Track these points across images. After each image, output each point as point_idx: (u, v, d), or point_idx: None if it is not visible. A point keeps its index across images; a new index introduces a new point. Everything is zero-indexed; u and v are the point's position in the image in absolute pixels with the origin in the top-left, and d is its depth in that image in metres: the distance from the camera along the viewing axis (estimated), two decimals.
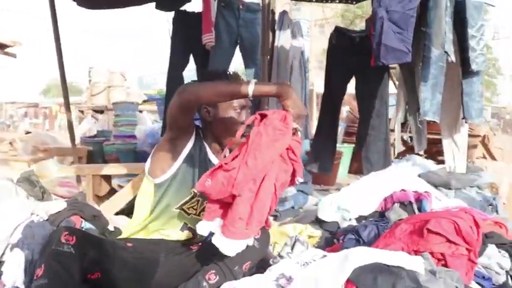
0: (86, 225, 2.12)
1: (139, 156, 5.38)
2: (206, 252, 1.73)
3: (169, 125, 1.71)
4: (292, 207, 3.36)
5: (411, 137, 4.72)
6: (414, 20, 2.46)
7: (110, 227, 2.28)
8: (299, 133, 1.54)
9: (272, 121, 1.45)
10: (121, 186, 4.39)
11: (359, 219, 2.45)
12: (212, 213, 1.50)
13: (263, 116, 1.49)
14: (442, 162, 3.93)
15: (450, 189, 3.31)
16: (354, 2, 4.26)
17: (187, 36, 3.88)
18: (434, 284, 1.36)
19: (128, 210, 2.82)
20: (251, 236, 1.49)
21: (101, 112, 7.90)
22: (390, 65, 3.30)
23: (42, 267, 1.36)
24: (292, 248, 1.93)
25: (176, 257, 1.73)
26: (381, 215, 2.39)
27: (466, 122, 3.11)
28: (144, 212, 1.78)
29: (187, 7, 4.04)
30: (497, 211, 3.24)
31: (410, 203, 2.33)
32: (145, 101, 8.20)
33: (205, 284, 1.55)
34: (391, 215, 2.27)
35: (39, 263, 1.38)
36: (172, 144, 1.74)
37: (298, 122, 1.53)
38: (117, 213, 2.74)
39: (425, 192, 2.41)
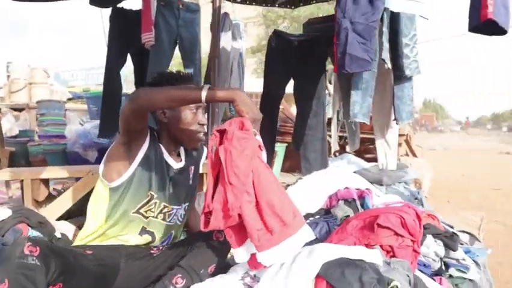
0: (34, 233, 2.01)
1: (70, 158, 5.13)
2: (167, 256, 1.74)
3: (122, 130, 1.67)
4: None
5: (340, 136, 4.99)
6: (376, 31, 2.61)
7: (57, 234, 2.19)
8: (257, 136, 1.55)
9: (233, 133, 1.45)
10: (55, 189, 4.19)
11: (306, 216, 2.56)
12: (237, 239, 1.50)
13: (222, 132, 1.49)
14: (369, 159, 4.22)
15: (382, 185, 3.57)
16: (293, 7, 4.39)
17: (124, 34, 3.78)
18: (391, 274, 1.49)
19: (67, 215, 2.71)
20: (289, 234, 1.49)
21: (20, 110, 7.39)
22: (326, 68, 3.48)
23: (6, 282, 1.26)
24: None
25: (137, 262, 1.71)
26: (327, 212, 2.52)
27: (397, 124, 3.34)
28: (100, 218, 1.74)
29: (124, 4, 3.93)
30: (422, 204, 3.55)
31: (354, 199, 2.49)
32: (69, 99, 7.81)
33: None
34: (337, 212, 2.41)
35: (1, 278, 1.27)
36: (127, 147, 1.71)
37: (255, 125, 1.55)
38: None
39: (367, 189, 2.58)
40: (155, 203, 1.77)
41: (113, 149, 1.74)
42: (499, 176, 6.08)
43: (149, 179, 1.75)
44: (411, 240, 1.86)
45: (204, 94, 1.50)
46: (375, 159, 3.92)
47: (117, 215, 1.72)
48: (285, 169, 5.83)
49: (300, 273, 1.42)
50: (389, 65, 2.82)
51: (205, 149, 2.10)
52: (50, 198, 2.88)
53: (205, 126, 1.83)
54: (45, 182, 2.76)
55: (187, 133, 1.77)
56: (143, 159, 1.73)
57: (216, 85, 3.63)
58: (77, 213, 2.73)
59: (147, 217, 1.76)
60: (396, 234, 1.85)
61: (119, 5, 3.83)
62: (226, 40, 3.68)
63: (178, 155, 1.90)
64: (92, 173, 2.68)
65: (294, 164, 6.10)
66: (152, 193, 1.75)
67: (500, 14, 1.20)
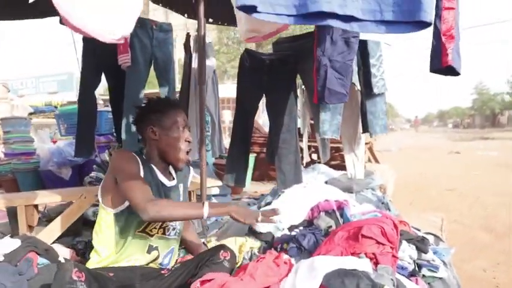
0: (42, 260, 2.11)
1: (43, 176, 5.11)
2: (178, 275, 1.91)
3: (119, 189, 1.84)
4: (216, 220, 3.59)
5: (309, 146, 5.27)
6: (352, 68, 2.86)
7: (61, 259, 2.28)
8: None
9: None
10: (40, 212, 4.18)
11: (290, 228, 2.78)
12: None
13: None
14: (335, 166, 4.51)
15: (352, 192, 3.85)
16: None
17: (98, 54, 3.83)
18: (380, 279, 1.73)
19: (59, 237, 2.79)
20: None
21: None
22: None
23: None
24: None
25: (151, 281, 1.86)
26: (309, 223, 2.75)
27: (371, 136, 3.62)
28: (109, 245, 1.87)
29: None
30: (389, 208, 3.86)
31: (334, 211, 2.73)
32: (31, 113, 7.66)
33: None
34: (320, 223, 2.64)
35: None
36: None
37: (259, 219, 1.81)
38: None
39: (344, 200, 2.83)
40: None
41: (109, 181, 1.87)
42: (451, 176, 6.57)
43: None
44: (391, 247, 2.11)
45: (205, 211, 1.72)
46: (340, 166, 4.19)
47: (125, 238, 1.86)
48: (254, 178, 6.07)
49: (305, 284, 1.64)
50: (358, 87, 3.09)
51: (190, 168, 2.30)
52: (39, 221, 2.94)
53: (191, 144, 2.02)
54: (36, 206, 2.82)
55: (176, 150, 1.94)
56: None
57: (192, 104, 3.80)
58: (64, 234, 2.81)
59: (152, 235, 1.92)
60: (378, 242, 2.09)
61: None
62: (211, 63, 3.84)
63: (169, 173, 2.07)
64: (85, 197, 2.78)
65: (263, 173, 6.37)
66: None
67: (455, 60, 1.46)
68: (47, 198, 2.78)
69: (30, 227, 2.75)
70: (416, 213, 4.06)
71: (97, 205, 2.44)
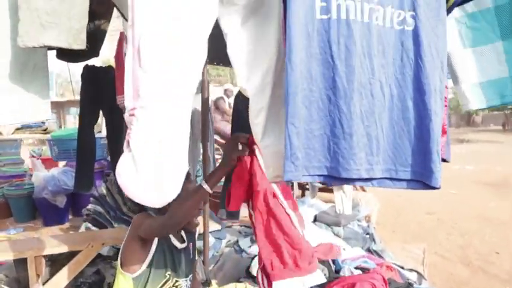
0: None
1: (37, 203, 5.21)
2: None
3: (146, 235, 2.00)
4: (212, 255, 3.77)
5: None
6: None
7: None
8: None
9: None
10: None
11: None
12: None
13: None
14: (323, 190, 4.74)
15: (339, 226, 4.09)
16: None
17: (96, 91, 3.94)
18: None
19: None
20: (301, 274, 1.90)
21: None
22: None
23: None
24: None
25: None
26: None
27: None
28: None
29: (95, 61, 4.08)
30: (374, 240, 4.11)
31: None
32: (18, 129, 7.66)
33: None
34: None
35: None
36: (142, 242, 2.05)
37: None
38: None
39: (337, 246, 3.06)
40: (171, 280, 2.11)
41: (129, 244, 2.02)
42: (430, 197, 6.91)
43: (165, 262, 2.08)
44: None
45: (208, 189, 1.83)
46: (328, 189, 4.42)
47: None
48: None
49: None
50: None
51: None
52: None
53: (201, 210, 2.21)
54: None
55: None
56: (157, 248, 2.06)
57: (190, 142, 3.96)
58: None
59: None
60: None
61: (91, 63, 3.98)
62: (197, 100, 4.00)
63: (181, 236, 2.25)
64: (92, 245, 2.93)
65: None
66: (169, 273, 2.08)
67: (446, 151, 1.63)
68: (56, 248, 2.91)
69: (38, 276, 2.89)
70: (400, 244, 4.32)
71: None
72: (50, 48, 1.39)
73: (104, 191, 4.33)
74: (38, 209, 5.30)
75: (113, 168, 3.84)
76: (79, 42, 1.27)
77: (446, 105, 1.34)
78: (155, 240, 2.04)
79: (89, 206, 4.34)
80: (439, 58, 1.20)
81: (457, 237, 4.78)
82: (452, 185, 7.97)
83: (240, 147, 1.81)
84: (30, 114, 1.52)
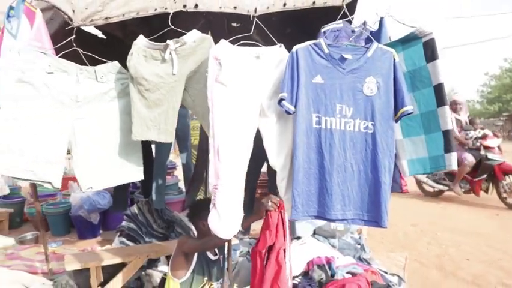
0: None
1: (74, 220, 6.02)
2: None
3: (190, 250, 2.82)
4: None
5: None
6: None
7: None
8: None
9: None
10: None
11: (293, 277, 3.79)
12: None
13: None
14: None
15: (334, 238, 4.90)
16: None
17: None
18: None
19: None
20: None
21: None
22: None
23: None
24: None
25: None
26: (305, 274, 3.77)
27: None
28: None
29: None
30: (364, 249, 4.91)
31: (324, 265, 3.76)
32: None
33: None
34: (314, 275, 3.66)
35: None
36: (186, 256, 2.86)
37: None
38: None
39: (331, 256, 3.87)
40: (207, 283, 2.89)
41: (177, 258, 2.84)
42: (414, 210, 7.76)
43: (203, 270, 2.88)
44: None
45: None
46: None
47: None
48: None
49: None
50: None
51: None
52: None
53: None
54: None
55: (216, 236, 2.90)
56: (197, 260, 2.87)
57: None
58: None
59: None
60: None
61: None
62: None
63: (214, 251, 3.05)
64: (139, 257, 3.73)
65: None
66: (206, 278, 2.88)
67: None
68: (111, 260, 3.70)
69: (98, 282, 3.69)
70: (385, 253, 5.13)
71: None
72: None
73: (136, 210, 5.11)
74: (74, 225, 6.12)
75: (144, 194, 4.68)
76: (170, 139, 2.12)
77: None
78: (195, 254, 2.86)
79: (123, 223, 5.11)
80: (388, 149, 2.07)
81: (435, 247, 5.58)
82: (436, 198, 8.82)
83: (270, 204, 2.58)
84: (128, 176, 2.38)
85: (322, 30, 2.56)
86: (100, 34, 3.97)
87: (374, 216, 2.12)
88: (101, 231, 6.33)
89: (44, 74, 2.17)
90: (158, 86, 2.17)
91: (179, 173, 6.56)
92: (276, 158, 2.26)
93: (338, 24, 2.56)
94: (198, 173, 4.99)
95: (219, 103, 2.12)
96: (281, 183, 2.31)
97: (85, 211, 5.84)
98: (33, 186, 3.73)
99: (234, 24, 3.63)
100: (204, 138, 4.82)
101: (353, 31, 2.55)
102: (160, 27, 2.29)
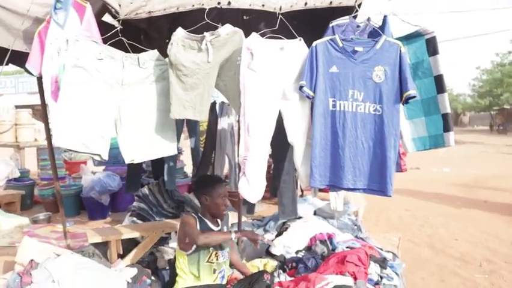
0: (148, 281, 3.38)
1: (84, 201, 6.32)
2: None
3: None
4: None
5: None
6: None
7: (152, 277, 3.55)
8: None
9: None
10: None
11: (297, 252, 4.13)
12: None
13: None
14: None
15: (333, 219, 5.25)
16: None
17: None
18: None
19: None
20: None
21: None
22: None
23: None
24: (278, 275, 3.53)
25: None
26: (308, 249, 4.10)
27: None
28: (187, 276, 3.07)
29: None
30: (360, 230, 5.27)
31: (325, 240, 4.11)
32: None
33: None
34: (317, 249, 4.00)
35: None
36: None
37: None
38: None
39: (332, 232, 4.22)
40: (214, 252, 3.10)
41: (181, 234, 3.06)
42: (407, 197, 8.15)
43: None
44: (364, 268, 3.48)
45: (232, 236, 2.94)
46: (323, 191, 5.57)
47: (198, 267, 3.05)
48: None
49: None
50: None
51: (229, 214, 3.57)
52: None
53: (228, 207, 3.17)
54: None
55: (219, 211, 3.12)
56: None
57: (218, 154, 5.10)
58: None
59: (213, 262, 3.11)
60: (356, 265, 3.44)
61: None
62: (224, 121, 5.14)
63: (216, 221, 3.24)
64: (155, 232, 4.05)
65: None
66: (212, 247, 3.07)
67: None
68: (130, 234, 4.02)
69: (118, 254, 4.00)
70: (381, 233, 5.50)
71: None
72: None
73: (147, 192, 5.41)
74: (85, 206, 6.42)
75: (155, 176, 5.01)
76: (203, 117, 2.44)
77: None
78: (198, 226, 3.04)
79: (134, 204, 5.42)
80: (394, 128, 2.42)
81: (427, 229, 5.98)
82: (430, 186, 9.23)
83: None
84: (164, 150, 2.70)
85: (331, 25, 2.89)
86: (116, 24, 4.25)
87: (381, 187, 2.49)
88: (110, 213, 6.64)
89: (95, 60, 2.47)
90: (194, 71, 2.49)
91: (184, 158, 6.87)
92: (295, 136, 2.63)
93: (344, 19, 2.90)
94: (205, 156, 5.31)
95: (250, 87, 2.48)
96: (297, 157, 2.68)
97: (96, 193, 6.14)
98: (54, 168, 4.01)
99: (245, 17, 3.93)
100: (212, 125, 5.14)
101: (358, 26, 2.89)
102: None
